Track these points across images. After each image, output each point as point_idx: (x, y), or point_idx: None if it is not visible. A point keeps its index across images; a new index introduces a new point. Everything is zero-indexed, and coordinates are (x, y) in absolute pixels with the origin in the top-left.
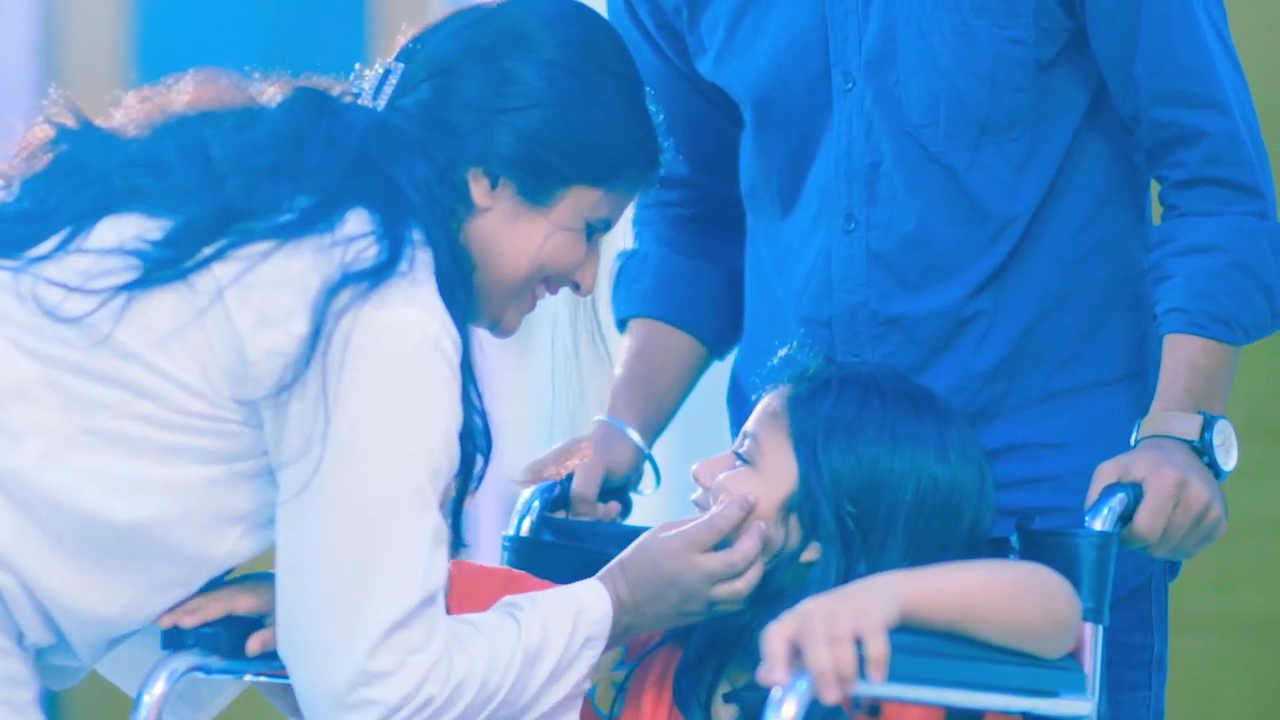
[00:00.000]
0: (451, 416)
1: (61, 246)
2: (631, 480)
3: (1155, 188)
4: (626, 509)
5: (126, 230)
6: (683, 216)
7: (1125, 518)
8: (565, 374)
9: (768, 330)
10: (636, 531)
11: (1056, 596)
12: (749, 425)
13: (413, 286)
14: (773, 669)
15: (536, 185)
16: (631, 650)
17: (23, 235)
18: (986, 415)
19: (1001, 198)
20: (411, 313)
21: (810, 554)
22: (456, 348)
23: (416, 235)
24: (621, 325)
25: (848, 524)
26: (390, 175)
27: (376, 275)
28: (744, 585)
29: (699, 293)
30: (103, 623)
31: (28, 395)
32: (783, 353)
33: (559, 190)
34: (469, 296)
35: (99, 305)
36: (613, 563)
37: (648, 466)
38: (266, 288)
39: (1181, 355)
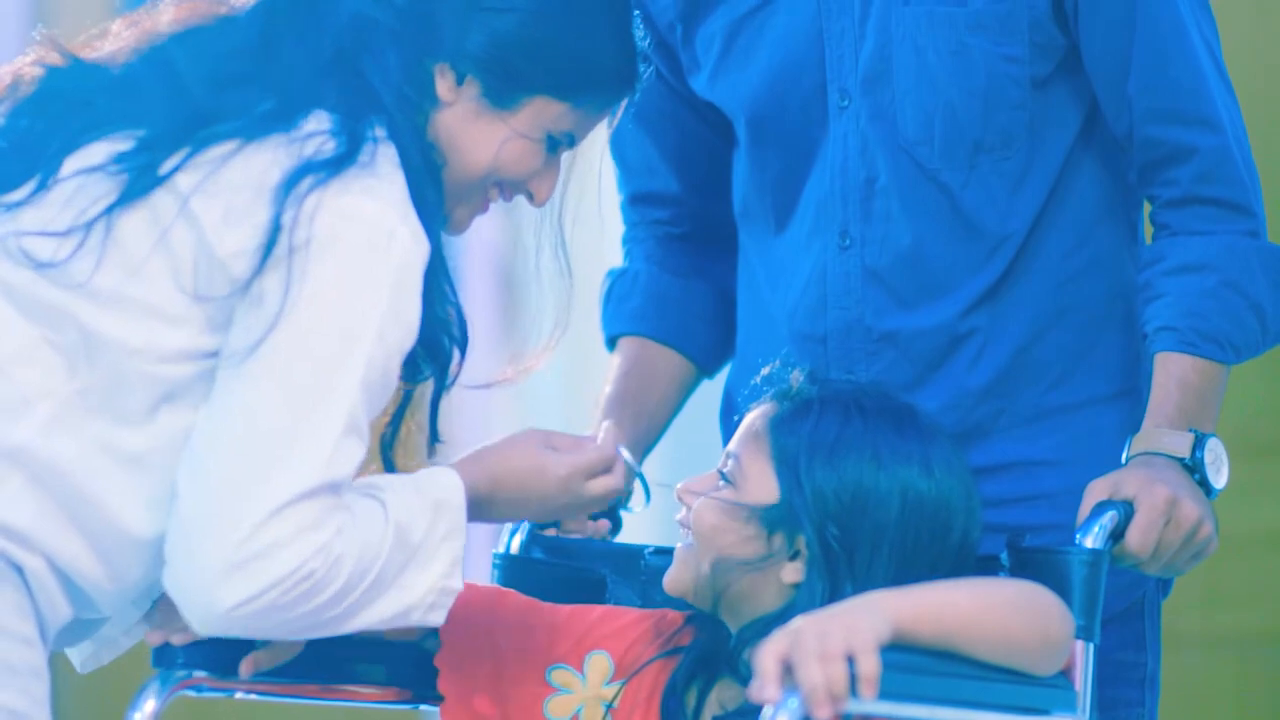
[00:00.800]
0: (399, 311)
1: (40, 188)
2: (621, 498)
3: (1147, 208)
4: (616, 527)
5: (97, 156)
6: (673, 235)
7: (1116, 535)
8: (524, 283)
9: (761, 347)
10: (627, 549)
11: (1050, 615)
12: (731, 445)
13: (373, 178)
14: (765, 686)
15: (501, 88)
16: (621, 669)
17: (4, 176)
18: (980, 433)
19: (996, 215)
20: (369, 204)
21: (793, 575)
22: (417, 241)
23: (379, 131)
24: (611, 343)
25: (832, 545)
26: (360, 71)
27: (335, 165)
28: (616, 480)
29: (689, 311)
30: (130, 586)
31: (30, 358)
32: (766, 371)
33: (523, 97)
34: (438, 191)
35: (78, 246)
36: (476, 451)
37: (637, 484)
38: (230, 190)
39: (1173, 373)
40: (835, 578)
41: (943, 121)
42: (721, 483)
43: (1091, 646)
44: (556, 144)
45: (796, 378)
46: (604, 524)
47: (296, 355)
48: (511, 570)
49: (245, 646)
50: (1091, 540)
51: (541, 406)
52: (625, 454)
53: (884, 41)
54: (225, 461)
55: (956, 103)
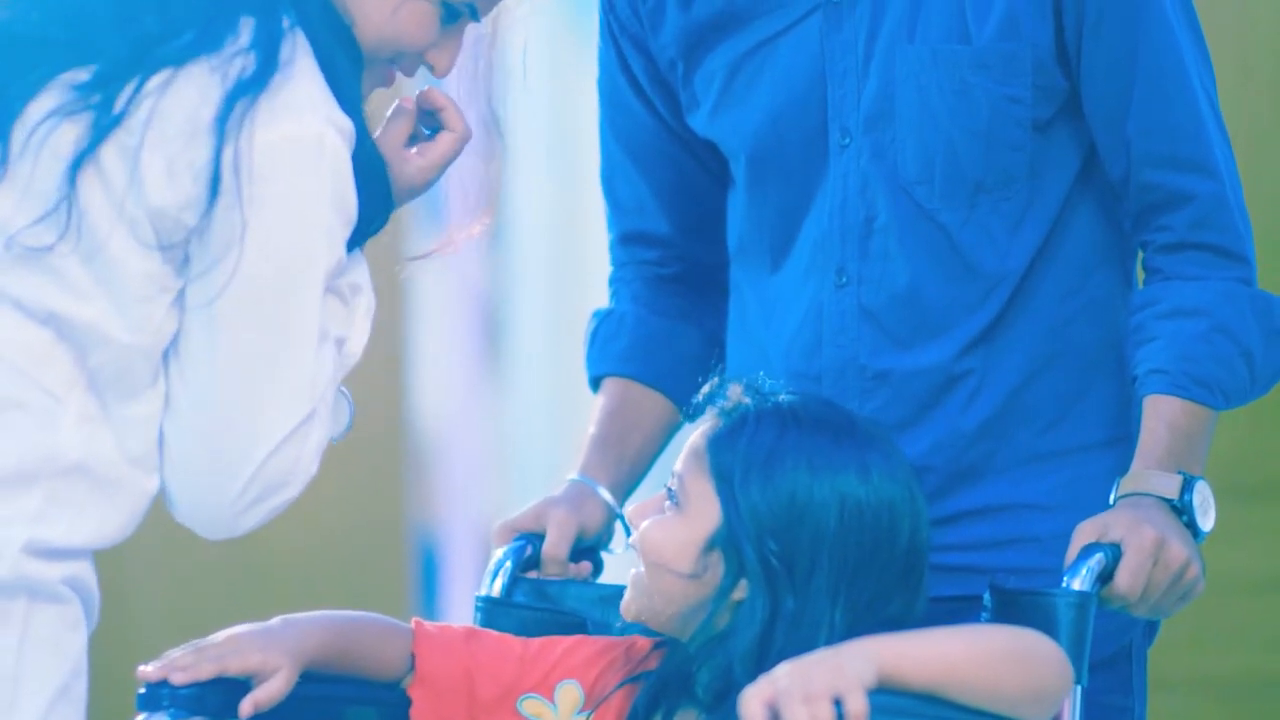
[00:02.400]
0: (341, 207)
1: (4, 155)
2: (603, 539)
3: (1140, 255)
4: (598, 568)
5: (55, 97)
6: (661, 276)
7: (1104, 577)
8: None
9: None
10: (608, 590)
11: (1043, 665)
12: (677, 465)
13: (292, 85)
14: None
15: None
16: (590, 697)
17: None
18: (972, 474)
19: (994, 255)
20: (295, 122)
21: (740, 593)
22: (342, 130)
23: (285, 21)
24: (595, 384)
25: (770, 561)
26: None
27: (258, 83)
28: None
29: (676, 354)
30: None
31: (48, 358)
32: (706, 389)
33: None
34: (352, 59)
35: (60, 235)
36: None
37: (619, 525)
38: (167, 140)
39: (1163, 415)
40: (775, 593)
41: (943, 161)
42: (668, 503)
43: (1079, 689)
44: (454, 12)
45: (735, 391)
46: (585, 566)
47: (260, 290)
48: (494, 613)
49: (236, 689)
50: (1079, 583)
51: (527, 448)
52: (606, 495)
53: (887, 81)
54: (215, 407)
55: (958, 142)
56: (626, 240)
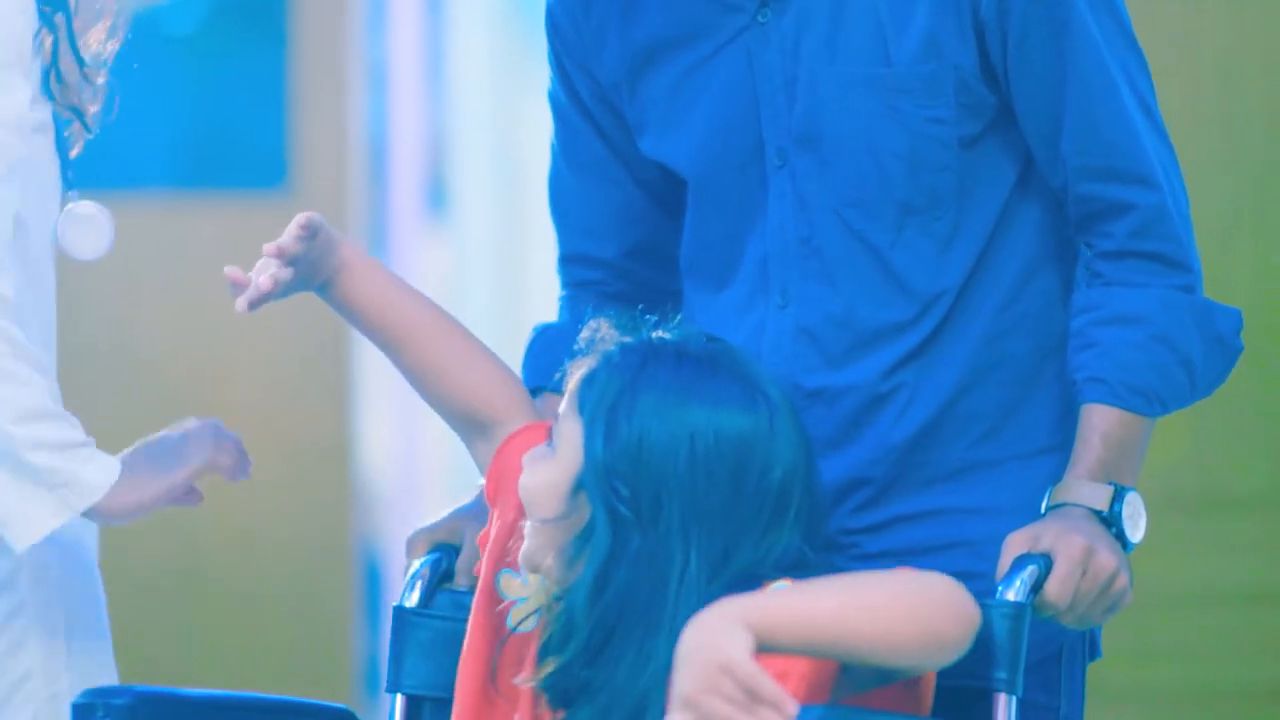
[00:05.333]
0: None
1: None
2: None
3: None
4: None
5: None
6: (605, 294)
7: (1035, 587)
8: None
9: None
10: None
11: (940, 608)
12: (559, 407)
13: None
14: None
15: None
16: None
17: None
18: (908, 483)
19: (925, 276)
20: None
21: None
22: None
23: None
24: (533, 395)
25: (615, 499)
26: None
27: None
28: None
29: None
30: None
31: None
32: (586, 334)
33: None
34: None
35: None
36: None
37: None
38: None
39: (1098, 425)
40: (620, 531)
41: (872, 183)
42: (546, 447)
43: (1015, 700)
44: None
45: (605, 330)
46: None
47: None
48: (411, 624)
49: (170, 705)
50: (1014, 593)
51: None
52: None
53: (813, 103)
54: None
55: (884, 164)
56: (570, 261)
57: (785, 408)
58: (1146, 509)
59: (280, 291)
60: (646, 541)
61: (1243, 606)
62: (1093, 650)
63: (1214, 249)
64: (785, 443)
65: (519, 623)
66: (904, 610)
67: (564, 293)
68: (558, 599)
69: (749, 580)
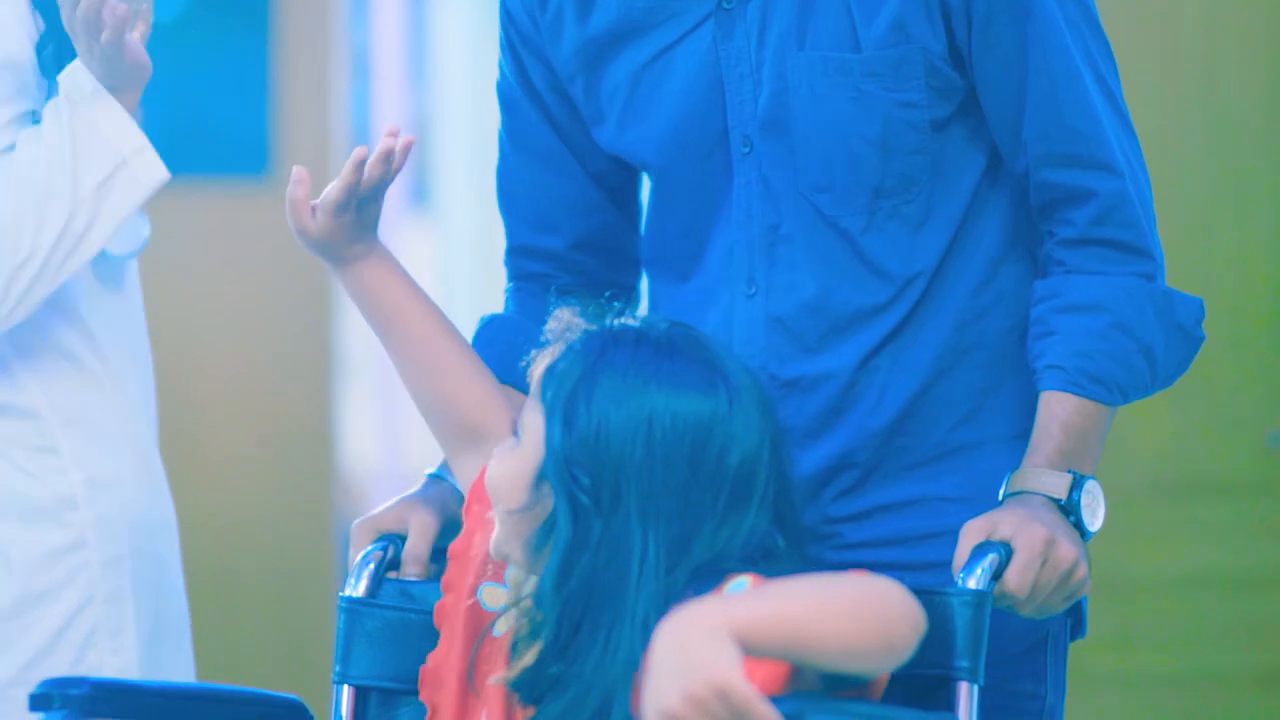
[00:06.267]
0: None
1: None
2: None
3: None
4: None
5: None
6: (550, 289)
7: (995, 575)
8: None
9: None
10: None
11: (894, 613)
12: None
13: None
14: None
15: None
16: None
17: None
18: (884, 472)
19: (899, 259)
20: None
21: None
22: None
23: None
24: None
25: (575, 487)
26: None
27: None
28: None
29: None
30: None
31: None
32: (551, 324)
33: None
34: None
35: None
36: None
37: None
38: None
39: (1056, 414)
40: (581, 519)
41: (842, 168)
42: (512, 439)
43: (976, 688)
44: None
45: (569, 318)
46: None
47: None
48: (358, 613)
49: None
50: (974, 581)
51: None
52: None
53: (781, 89)
54: None
55: (855, 149)
56: (517, 253)
57: (749, 391)
58: (1129, 495)
59: (317, 235)
60: (608, 530)
61: (1224, 592)
62: (1077, 628)
63: (1195, 236)
64: (745, 426)
65: (495, 621)
66: (868, 615)
67: (510, 285)
68: (528, 595)
69: (711, 572)
